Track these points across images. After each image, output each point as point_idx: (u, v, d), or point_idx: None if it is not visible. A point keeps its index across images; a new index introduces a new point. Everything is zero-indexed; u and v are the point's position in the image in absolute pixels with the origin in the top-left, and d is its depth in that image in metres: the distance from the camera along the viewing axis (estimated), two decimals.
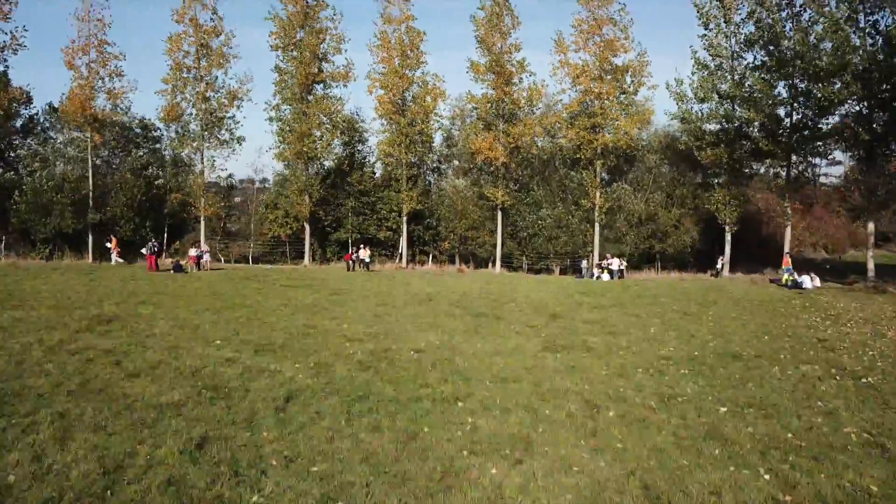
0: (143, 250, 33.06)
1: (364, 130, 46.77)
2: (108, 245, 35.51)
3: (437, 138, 48.02)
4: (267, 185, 52.55)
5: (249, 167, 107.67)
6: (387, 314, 18.10)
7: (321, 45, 42.04)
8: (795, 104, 33.80)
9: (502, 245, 43.99)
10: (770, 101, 34.33)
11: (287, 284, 25.50)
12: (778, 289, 29.48)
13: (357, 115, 46.43)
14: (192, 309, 17.62)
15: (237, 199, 53.29)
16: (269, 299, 20.48)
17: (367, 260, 36.83)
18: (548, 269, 45.61)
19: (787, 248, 35.56)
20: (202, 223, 41.13)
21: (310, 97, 42.04)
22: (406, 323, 16.76)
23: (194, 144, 40.68)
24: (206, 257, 32.77)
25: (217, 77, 41.09)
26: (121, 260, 35.62)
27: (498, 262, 44.00)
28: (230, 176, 45.98)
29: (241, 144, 43.49)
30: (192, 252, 32.02)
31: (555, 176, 45.71)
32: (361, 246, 37.80)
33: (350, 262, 36.13)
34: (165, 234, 42.68)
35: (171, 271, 29.92)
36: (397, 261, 44.96)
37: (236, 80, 44.86)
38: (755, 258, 44.57)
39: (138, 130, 44.97)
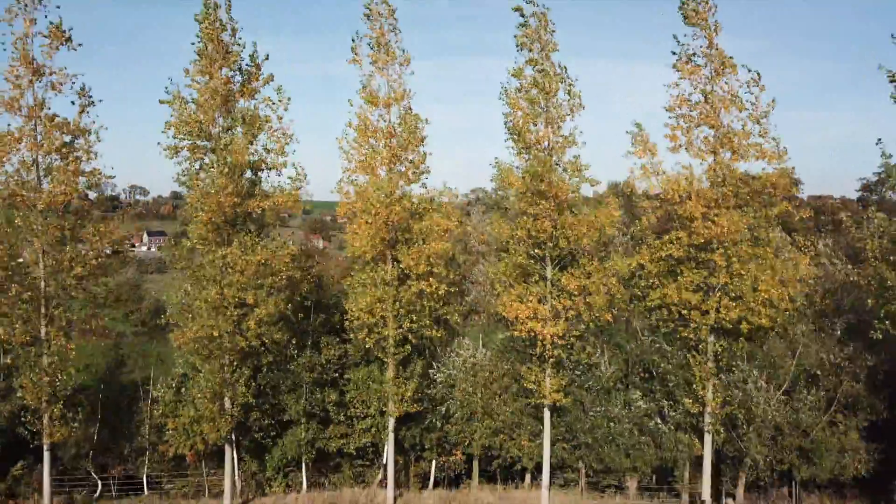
0: None
1: (323, 275, 29.68)
2: None
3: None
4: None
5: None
6: None
7: (254, 147, 25.29)
8: None
9: (550, 455, 27.30)
10: None
11: None
12: None
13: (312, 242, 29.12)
14: None
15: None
16: None
17: None
18: (619, 487, 28.99)
19: None
20: (45, 458, 24.26)
21: (235, 229, 25.26)
22: None
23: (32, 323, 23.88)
24: None
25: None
26: None
27: (544, 489, 27.29)
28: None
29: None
30: None
31: (634, 349, 28.75)
32: None
33: None
34: None
35: None
36: (379, 478, 28.31)
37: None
38: None
39: None
